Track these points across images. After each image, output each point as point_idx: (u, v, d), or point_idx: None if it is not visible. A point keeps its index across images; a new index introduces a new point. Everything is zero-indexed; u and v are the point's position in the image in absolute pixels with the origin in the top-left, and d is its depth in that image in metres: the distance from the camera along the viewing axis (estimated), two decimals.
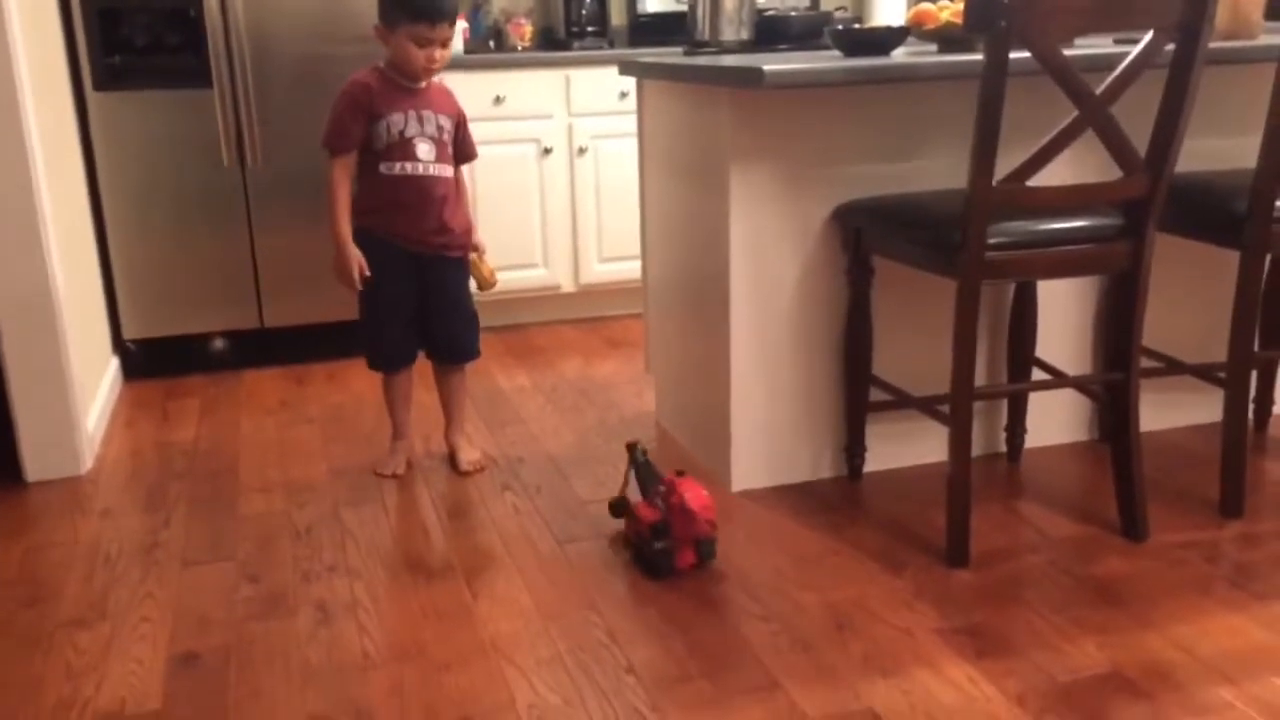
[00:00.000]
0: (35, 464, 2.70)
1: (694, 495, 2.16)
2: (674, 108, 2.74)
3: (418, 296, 2.62)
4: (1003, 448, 2.74)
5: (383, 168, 2.51)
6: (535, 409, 3.21)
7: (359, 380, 3.49)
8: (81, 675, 1.89)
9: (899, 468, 2.66)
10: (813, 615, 2.03)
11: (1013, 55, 1.99)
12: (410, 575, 2.23)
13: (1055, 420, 2.79)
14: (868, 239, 2.41)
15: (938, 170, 2.54)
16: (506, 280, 3.86)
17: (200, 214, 3.51)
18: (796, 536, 2.35)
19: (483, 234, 3.82)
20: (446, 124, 2.58)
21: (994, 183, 2.06)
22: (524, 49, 4.18)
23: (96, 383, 3.09)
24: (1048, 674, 1.83)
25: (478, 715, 1.76)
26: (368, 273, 2.53)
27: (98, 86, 3.33)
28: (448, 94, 2.64)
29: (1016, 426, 2.70)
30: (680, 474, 2.23)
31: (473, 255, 2.68)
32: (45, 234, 2.64)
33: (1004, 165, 2.05)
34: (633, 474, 2.35)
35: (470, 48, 4.02)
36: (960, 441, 2.17)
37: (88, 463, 2.79)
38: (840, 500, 2.53)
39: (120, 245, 3.45)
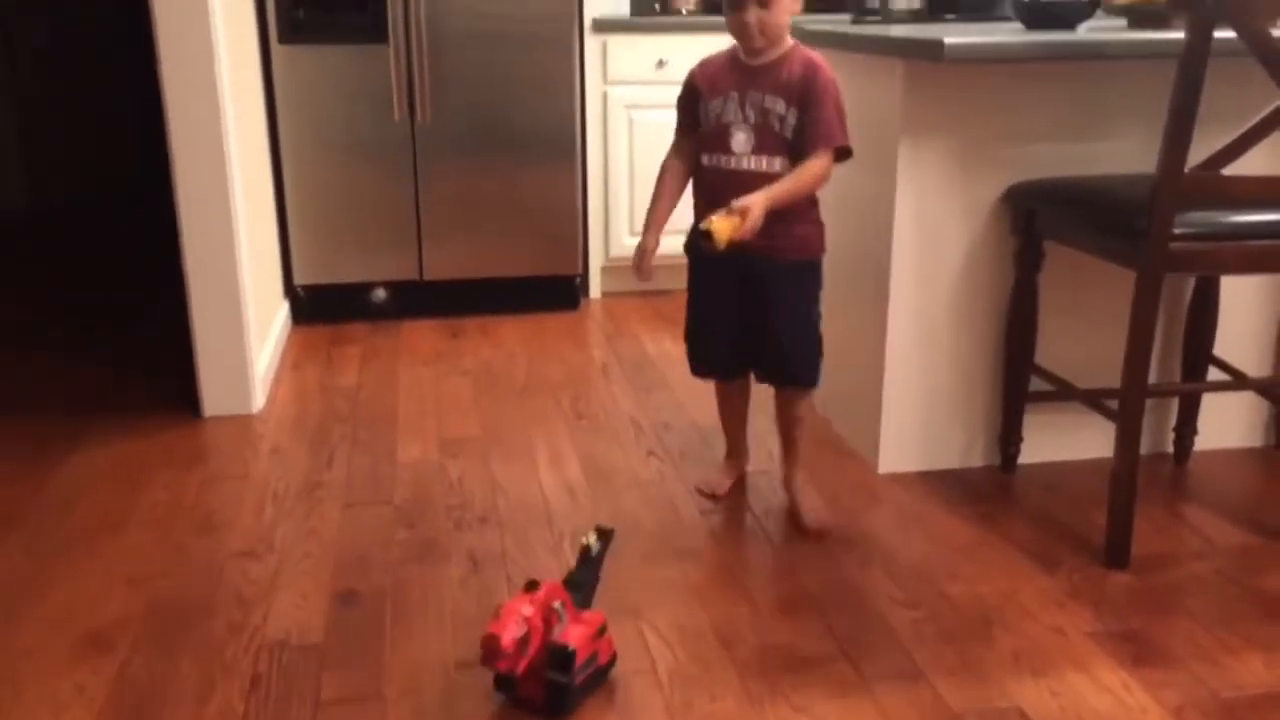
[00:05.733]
0: (212, 400, 2.86)
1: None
2: (840, 77, 2.67)
3: (744, 305, 2.26)
4: (1170, 448, 2.61)
5: (703, 158, 2.22)
6: (681, 375, 3.19)
7: (511, 336, 3.57)
8: (251, 604, 2.01)
9: (1056, 461, 2.57)
10: (960, 607, 1.99)
11: (1215, 35, 1.87)
12: (557, 533, 2.28)
13: (1229, 423, 2.65)
14: (1041, 222, 2.32)
15: (1120, 153, 2.42)
16: (662, 245, 3.88)
17: (369, 166, 3.63)
18: (945, 524, 2.30)
19: (641, 196, 3.88)
20: (778, 107, 2.13)
21: (1185, 170, 1.95)
22: (689, 12, 4.15)
23: (268, 326, 3.25)
24: (1209, 688, 1.75)
25: (620, 674, 1.80)
26: (647, 265, 2.25)
27: (282, 39, 3.47)
28: (802, 68, 2.13)
29: (1186, 427, 2.57)
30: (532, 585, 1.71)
31: (721, 213, 2.04)
32: (231, 181, 2.77)
33: (1195, 151, 1.95)
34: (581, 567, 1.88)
35: (635, 9, 4.02)
36: (1129, 439, 2.08)
37: (259, 402, 2.94)
38: (992, 490, 2.47)
39: (295, 194, 3.60)
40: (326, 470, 2.57)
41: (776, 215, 2.08)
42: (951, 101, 2.36)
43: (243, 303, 2.85)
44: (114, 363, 3.29)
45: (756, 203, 2.02)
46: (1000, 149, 2.40)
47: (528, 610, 1.64)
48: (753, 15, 2.09)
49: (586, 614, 1.76)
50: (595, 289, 4.00)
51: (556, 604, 1.69)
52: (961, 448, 2.57)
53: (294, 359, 3.36)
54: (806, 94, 2.11)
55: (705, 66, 2.24)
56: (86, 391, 3.05)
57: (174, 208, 2.75)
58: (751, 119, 2.14)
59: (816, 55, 2.16)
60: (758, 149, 2.15)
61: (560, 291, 3.85)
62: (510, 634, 1.61)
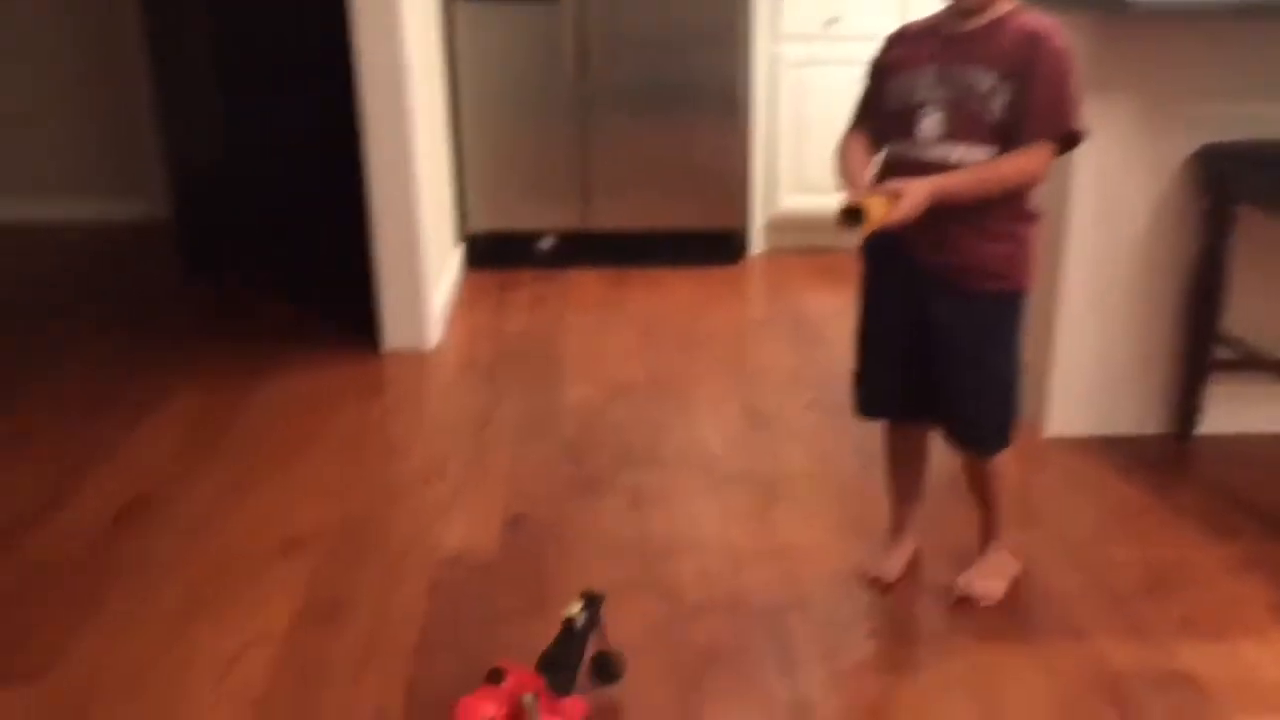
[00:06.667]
0: (392, 336, 3.03)
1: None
2: None
3: (913, 337, 1.81)
4: None
5: (885, 147, 1.80)
6: (842, 332, 3.16)
7: (674, 288, 3.63)
8: (429, 522, 2.14)
9: (1238, 433, 2.46)
10: (1128, 571, 1.95)
11: None
12: (714, 476, 2.33)
13: None
14: (1235, 184, 2.22)
15: None
16: (823, 203, 3.85)
17: (541, 118, 3.73)
18: (1115, 490, 2.25)
19: (808, 151, 3.87)
20: (982, 82, 1.67)
21: None
22: None
23: (444, 269, 3.39)
24: None
25: (776, 609, 1.85)
26: (860, 182, 1.73)
27: None
28: (1021, 35, 1.67)
29: None
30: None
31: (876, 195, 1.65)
32: (413, 132, 2.91)
33: None
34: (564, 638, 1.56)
35: None
36: None
37: (434, 340, 3.09)
38: (1165, 459, 2.39)
39: (471, 144, 3.74)
40: (497, 406, 2.69)
41: (967, 225, 1.70)
42: (1139, 58, 2.27)
43: (421, 247, 3.00)
44: (304, 301, 3.50)
45: (917, 189, 1.62)
46: (1190, 108, 2.30)
47: (490, 711, 1.35)
48: None
49: (566, 703, 1.45)
50: (758, 244, 4.02)
51: (527, 697, 1.39)
52: (1135, 414, 2.50)
53: (466, 301, 3.51)
54: (1023, 67, 1.65)
55: (899, 34, 1.81)
56: (280, 326, 3.26)
57: (361, 159, 2.90)
58: (948, 98, 1.69)
59: (1045, 19, 1.69)
60: (951, 135, 1.69)
61: (723, 246, 3.88)
62: None
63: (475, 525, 2.12)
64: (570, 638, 1.52)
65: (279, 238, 4.29)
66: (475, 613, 1.83)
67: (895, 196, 1.63)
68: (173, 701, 1.61)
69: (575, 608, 1.55)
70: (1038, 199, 1.77)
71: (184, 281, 3.85)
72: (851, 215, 1.62)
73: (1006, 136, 1.68)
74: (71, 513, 2.14)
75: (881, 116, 1.79)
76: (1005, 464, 1.88)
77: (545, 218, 3.83)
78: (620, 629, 1.77)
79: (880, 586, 1.92)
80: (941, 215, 1.66)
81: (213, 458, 2.39)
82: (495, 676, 1.40)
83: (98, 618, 1.81)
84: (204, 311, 3.45)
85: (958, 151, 1.69)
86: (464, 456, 2.42)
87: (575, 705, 1.44)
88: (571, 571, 1.96)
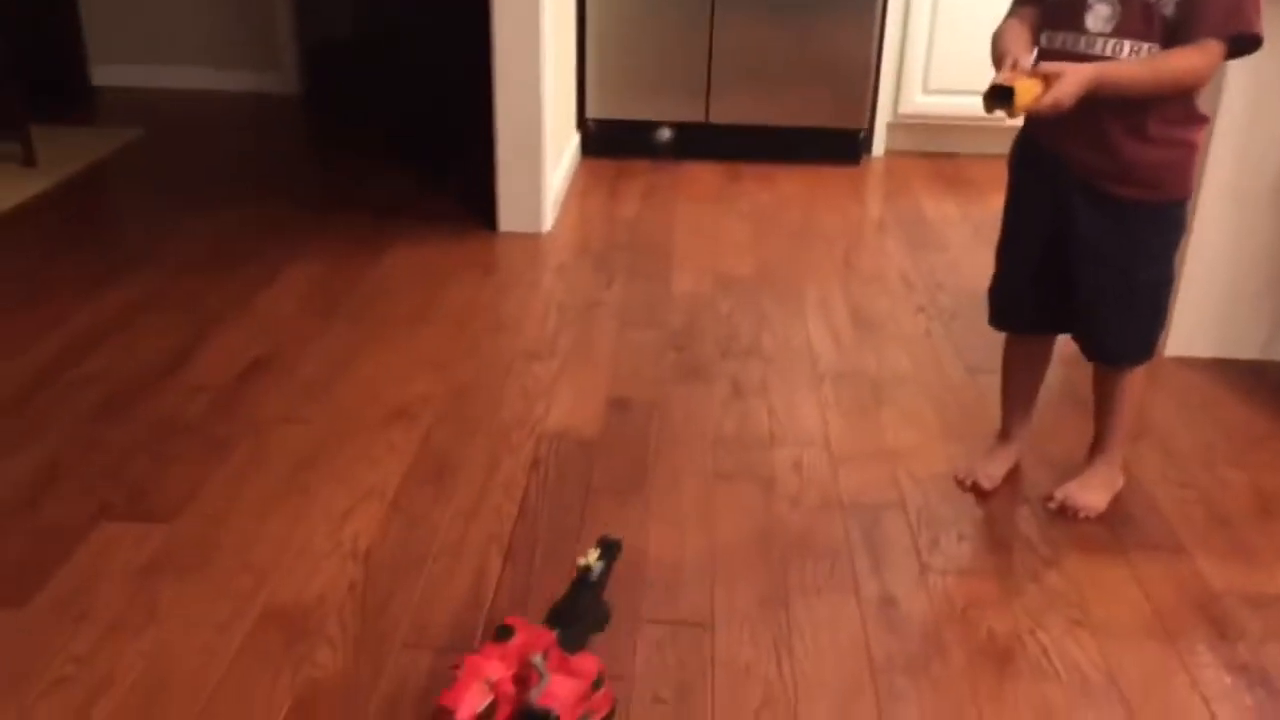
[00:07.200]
0: (508, 216, 3.07)
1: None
2: None
3: (1053, 242, 1.75)
4: None
5: (1042, 38, 1.68)
6: (960, 239, 3.14)
7: (789, 184, 3.58)
8: (535, 398, 2.20)
9: None
10: (1238, 494, 1.90)
11: None
12: (818, 372, 2.33)
13: None
14: None
15: None
16: (952, 105, 3.71)
17: (667, 7, 3.66)
18: (1233, 414, 2.18)
19: (940, 52, 3.72)
20: None
21: None
22: None
23: (561, 154, 3.41)
24: None
25: (870, 506, 1.86)
26: (1016, 64, 1.60)
27: None
28: None
29: None
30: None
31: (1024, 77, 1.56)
32: (540, 16, 2.89)
33: None
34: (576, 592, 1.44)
35: None
36: None
37: (548, 223, 3.12)
38: None
39: (595, 31, 3.70)
40: (606, 290, 2.72)
41: (1124, 122, 1.60)
42: None
43: (542, 132, 3.01)
44: (424, 180, 3.56)
45: (1076, 72, 1.52)
46: None
47: (495, 673, 1.24)
48: None
49: (577, 660, 1.32)
50: (879, 146, 3.91)
51: (535, 658, 1.27)
52: (1264, 338, 2.40)
53: (581, 187, 3.52)
54: None
55: None
56: (400, 203, 3.33)
57: (488, 40, 2.91)
58: None
59: None
60: (1121, 29, 1.57)
61: (843, 145, 3.79)
62: (469, 707, 1.20)
63: (579, 404, 2.17)
64: (584, 589, 1.42)
65: (403, 118, 4.36)
66: (574, 489, 1.89)
67: (1050, 80, 1.53)
68: (290, 548, 1.72)
69: (591, 555, 1.44)
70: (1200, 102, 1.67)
71: (311, 155, 3.96)
72: (1000, 95, 1.53)
73: (1176, 37, 1.56)
74: (198, 369, 2.26)
75: (1045, 4, 1.68)
76: (1138, 378, 1.84)
77: (664, 109, 3.79)
78: (715, 516, 1.82)
79: (979, 492, 1.91)
80: (1098, 109, 1.57)
81: (332, 324, 2.49)
82: (503, 633, 1.30)
83: (222, 468, 1.92)
84: (329, 185, 3.55)
85: (1125, 47, 1.58)
86: (571, 338, 2.47)
87: (587, 662, 1.32)
88: (671, 455, 2.00)
